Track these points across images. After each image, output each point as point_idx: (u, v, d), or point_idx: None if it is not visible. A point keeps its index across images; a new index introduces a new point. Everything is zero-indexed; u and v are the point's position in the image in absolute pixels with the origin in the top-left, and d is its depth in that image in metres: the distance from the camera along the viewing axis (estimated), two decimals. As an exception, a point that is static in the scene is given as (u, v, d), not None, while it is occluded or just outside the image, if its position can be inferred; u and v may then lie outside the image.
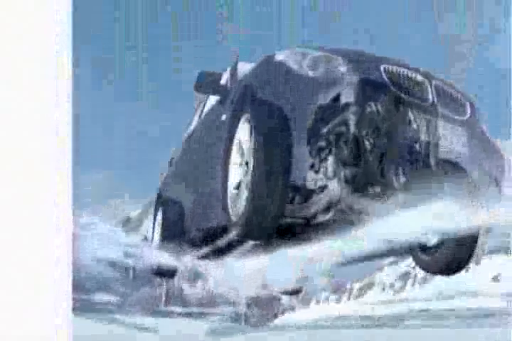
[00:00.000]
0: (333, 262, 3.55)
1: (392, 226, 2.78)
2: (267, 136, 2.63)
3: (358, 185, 2.54)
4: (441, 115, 2.70)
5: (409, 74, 2.72)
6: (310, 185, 2.59)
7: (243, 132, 2.85)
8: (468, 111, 2.90)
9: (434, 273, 3.25)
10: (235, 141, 2.91)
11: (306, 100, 2.58)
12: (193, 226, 3.98)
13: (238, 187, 2.87)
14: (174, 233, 4.37)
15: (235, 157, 2.90)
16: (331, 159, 2.53)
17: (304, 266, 3.73)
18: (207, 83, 3.40)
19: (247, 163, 2.78)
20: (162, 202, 4.90)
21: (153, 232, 4.92)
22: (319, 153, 2.54)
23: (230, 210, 2.87)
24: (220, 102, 3.51)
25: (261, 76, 2.93)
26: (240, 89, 3.08)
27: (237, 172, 2.88)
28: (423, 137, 2.61)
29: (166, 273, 4.79)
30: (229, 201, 2.90)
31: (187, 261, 4.33)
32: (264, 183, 2.59)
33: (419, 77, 2.74)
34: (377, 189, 2.55)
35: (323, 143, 2.53)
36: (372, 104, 2.53)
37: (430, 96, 2.72)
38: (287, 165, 2.60)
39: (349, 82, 2.55)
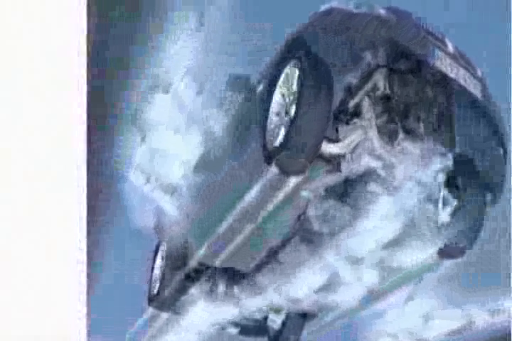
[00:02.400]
0: None
1: None
2: (315, 79, 2.77)
3: (388, 133, 2.78)
4: (461, 64, 2.93)
5: (432, 30, 2.97)
6: (341, 136, 2.82)
7: (288, 76, 2.95)
8: (479, 71, 3.09)
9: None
10: (279, 85, 2.99)
11: (349, 49, 2.76)
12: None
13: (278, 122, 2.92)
14: (177, 265, 4.23)
15: (278, 95, 2.98)
16: (365, 110, 2.78)
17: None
18: (236, 83, 3.54)
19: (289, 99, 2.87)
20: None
21: (153, 266, 4.65)
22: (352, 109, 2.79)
23: (270, 138, 2.89)
24: (245, 98, 3.51)
25: (307, 27, 3.05)
26: (287, 41, 3.16)
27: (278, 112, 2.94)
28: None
29: None
30: (268, 133, 2.94)
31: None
32: (309, 111, 2.72)
33: (439, 34, 2.98)
34: (405, 141, 2.77)
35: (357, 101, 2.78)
36: (402, 62, 2.76)
37: (450, 48, 2.95)
38: (330, 102, 2.74)
39: (384, 20, 2.80)
